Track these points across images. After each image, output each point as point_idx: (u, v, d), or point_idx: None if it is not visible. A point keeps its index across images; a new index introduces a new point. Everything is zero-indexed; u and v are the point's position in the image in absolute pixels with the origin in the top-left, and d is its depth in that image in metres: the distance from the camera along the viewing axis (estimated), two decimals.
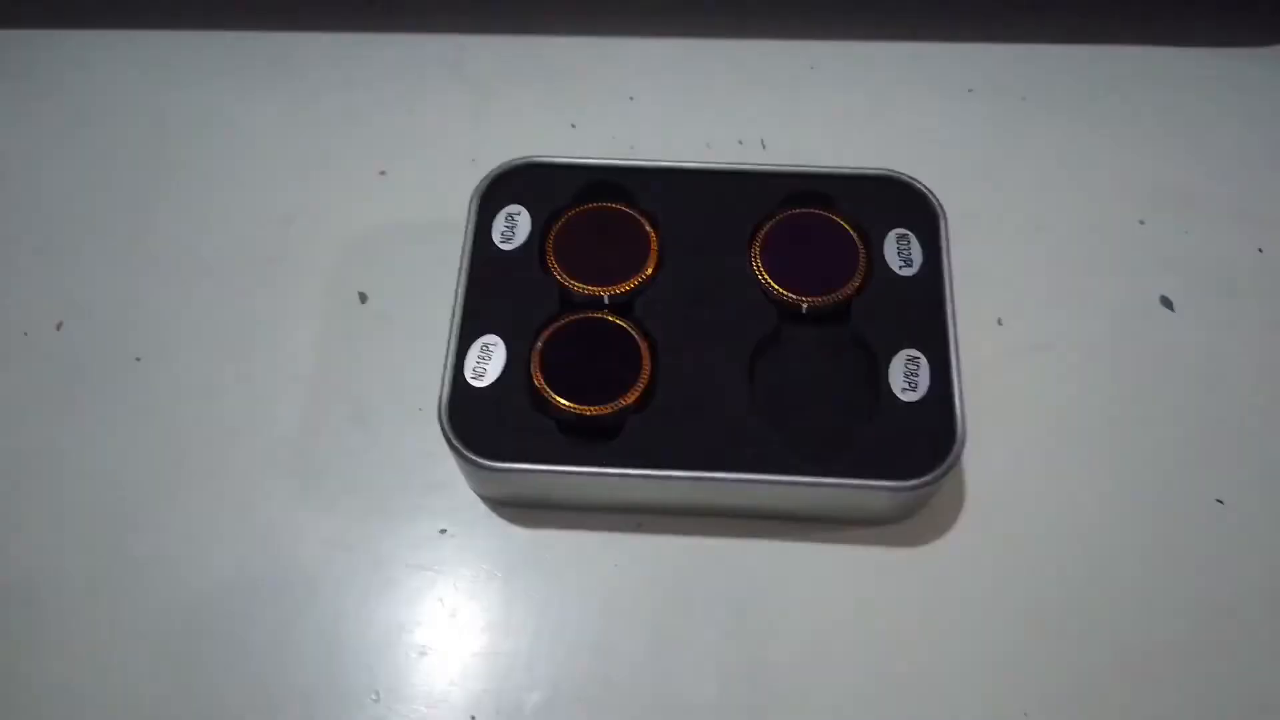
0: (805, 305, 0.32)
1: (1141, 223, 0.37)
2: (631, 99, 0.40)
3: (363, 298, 0.36)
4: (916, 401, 0.31)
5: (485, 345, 0.31)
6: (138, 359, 0.35)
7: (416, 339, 0.34)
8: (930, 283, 0.32)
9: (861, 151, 0.36)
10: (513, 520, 0.32)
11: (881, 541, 0.32)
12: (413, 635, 0.31)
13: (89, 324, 0.35)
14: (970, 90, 0.40)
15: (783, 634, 0.30)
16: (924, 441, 0.30)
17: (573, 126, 0.39)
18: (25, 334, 0.35)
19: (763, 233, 0.33)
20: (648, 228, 0.33)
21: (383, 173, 0.38)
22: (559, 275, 0.32)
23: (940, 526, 0.32)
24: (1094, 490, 0.32)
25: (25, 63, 0.41)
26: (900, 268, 0.33)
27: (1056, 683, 0.30)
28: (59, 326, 0.35)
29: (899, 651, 0.30)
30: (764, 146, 0.39)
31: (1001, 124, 0.39)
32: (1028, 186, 0.38)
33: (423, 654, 0.30)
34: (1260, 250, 0.36)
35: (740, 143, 0.39)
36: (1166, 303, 0.35)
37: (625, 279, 0.32)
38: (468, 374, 0.31)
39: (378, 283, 0.36)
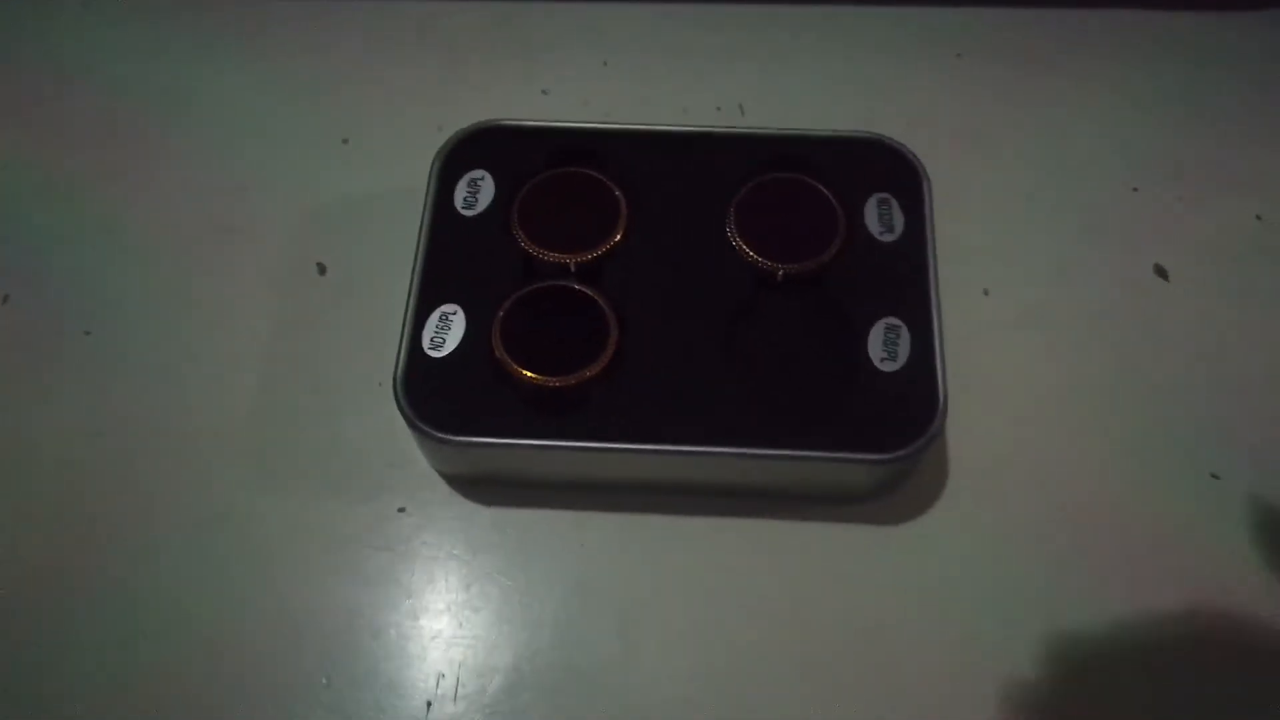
0: (781, 272, 0.30)
1: (1135, 190, 0.35)
2: (605, 64, 0.38)
3: (321, 269, 0.34)
4: (896, 371, 0.29)
5: (444, 314, 0.30)
6: (87, 332, 0.33)
7: (376, 312, 0.32)
8: (912, 249, 0.31)
9: (844, 118, 0.34)
10: (473, 498, 0.31)
11: (860, 519, 0.30)
12: (367, 617, 0.29)
13: (36, 296, 0.34)
14: (958, 55, 0.38)
15: (756, 616, 0.29)
16: (904, 413, 0.28)
17: (544, 93, 0.38)
18: None
19: (738, 197, 0.31)
20: (617, 193, 0.32)
21: (345, 141, 0.37)
22: (523, 241, 0.31)
23: (922, 503, 0.30)
24: (1084, 466, 0.31)
25: None
26: (881, 233, 0.31)
27: (1039, 666, 0.28)
28: (5, 299, 0.34)
29: (877, 633, 0.29)
30: (743, 112, 0.37)
31: (990, 90, 0.37)
32: (1017, 153, 0.36)
33: (377, 637, 0.29)
34: (1259, 218, 0.35)
35: (718, 109, 0.37)
36: (1161, 272, 0.34)
37: (593, 245, 0.31)
38: (425, 344, 0.29)
39: (337, 254, 0.34)
